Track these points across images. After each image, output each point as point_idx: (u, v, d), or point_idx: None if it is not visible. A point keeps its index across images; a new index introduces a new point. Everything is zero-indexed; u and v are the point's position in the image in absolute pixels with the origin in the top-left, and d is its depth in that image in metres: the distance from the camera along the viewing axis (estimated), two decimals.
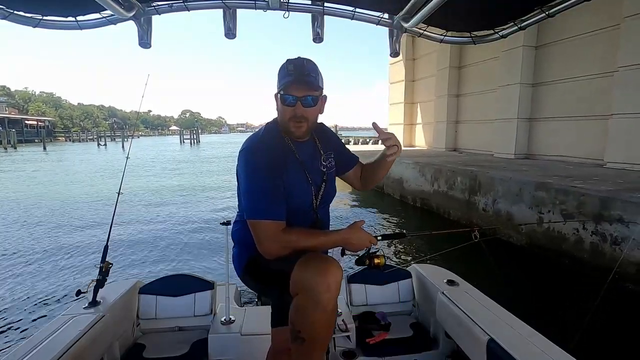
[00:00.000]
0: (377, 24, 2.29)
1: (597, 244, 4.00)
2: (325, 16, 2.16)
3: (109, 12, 1.84)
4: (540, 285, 4.00)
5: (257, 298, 2.85)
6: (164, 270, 4.47)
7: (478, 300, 1.61)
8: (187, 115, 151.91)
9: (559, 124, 8.42)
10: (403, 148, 1.53)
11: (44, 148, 35.74)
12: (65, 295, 3.78)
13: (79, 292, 1.58)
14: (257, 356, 1.64)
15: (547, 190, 4.76)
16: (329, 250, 1.37)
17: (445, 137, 12.47)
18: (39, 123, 58.57)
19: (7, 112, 56.39)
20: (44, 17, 1.89)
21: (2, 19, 1.80)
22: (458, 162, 8.28)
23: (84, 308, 1.57)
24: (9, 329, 3.17)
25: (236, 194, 1.41)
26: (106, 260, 1.66)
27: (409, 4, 2.01)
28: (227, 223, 1.83)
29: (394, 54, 2.41)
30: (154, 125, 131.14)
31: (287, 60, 1.29)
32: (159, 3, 1.99)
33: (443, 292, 1.70)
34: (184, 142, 51.90)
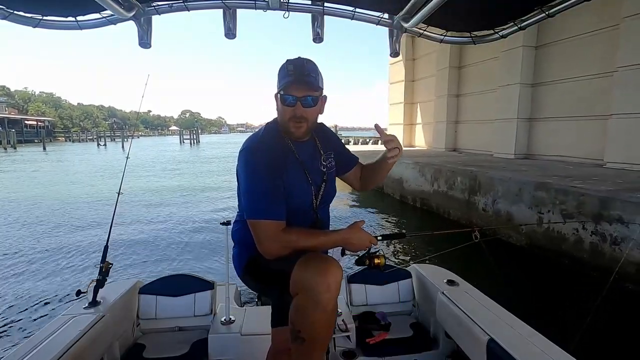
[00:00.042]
0: (377, 24, 2.29)
1: (597, 244, 4.00)
2: (325, 16, 2.16)
3: (109, 12, 1.84)
4: (540, 285, 4.00)
5: (257, 298, 2.85)
6: (164, 270, 4.47)
7: (478, 300, 1.61)
8: (187, 116, 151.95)
9: (559, 124, 8.42)
10: (403, 148, 1.54)
11: (44, 148, 35.74)
12: (66, 295, 3.77)
13: (79, 292, 1.58)
14: (257, 356, 1.64)
15: (546, 190, 4.76)
16: (329, 250, 1.37)
17: (445, 137, 12.47)
18: (39, 123, 58.58)
19: (6, 112, 56.42)
20: (44, 17, 1.89)
21: (2, 19, 1.80)
22: (458, 162, 8.28)
23: (84, 308, 1.57)
24: (9, 328, 3.17)
25: (236, 194, 1.41)
26: (106, 260, 1.65)
27: (409, 4, 2.01)
28: (227, 223, 1.83)
29: (394, 54, 2.41)
30: (154, 125, 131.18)
31: (287, 60, 1.28)
32: (159, 3, 1.99)
33: (443, 292, 1.70)
34: (183, 142, 51.91)
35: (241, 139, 1.50)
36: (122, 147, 39.56)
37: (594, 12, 7.24)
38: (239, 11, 2.09)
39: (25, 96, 74.50)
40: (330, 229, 1.42)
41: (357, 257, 1.37)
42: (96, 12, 1.91)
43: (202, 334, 1.82)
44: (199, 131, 61.38)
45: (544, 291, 3.85)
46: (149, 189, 11.19)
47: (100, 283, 1.62)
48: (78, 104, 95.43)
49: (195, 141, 52.14)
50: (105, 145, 44.59)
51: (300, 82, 1.23)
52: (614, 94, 6.76)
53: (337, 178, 1.56)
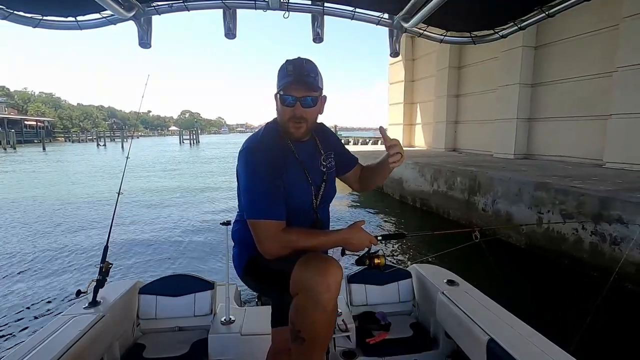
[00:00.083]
0: (377, 24, 2.29)
1: (597, 244, 4.00)
2: (325, 16, 2.16)
3: (109, 12, 1.84)
4: (540, 285, 4.01)
5: (257, 298, 2.85)
6: (164, 270, 4.47)
7: (478, 300, 1.61)
8: (186, 116, 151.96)
9: (559, 124, 8.42)
10: (403, 148, 1.53)
11: (44, 148, 35.71)
12: (66, 296, 3.77)
13: (79, 292, 1.58)
14: (257, 356, 1.64)
15: (546, 190, 4.76)
16: (329, 250, 1.37)
17: (444, 138, 12.48)
18: (38, 123, 58.54)
19: (6, 112, 56.39)
20: (44, 17, 1.89)
21: (2, 19, 1.80)
22: (457, 162, 8.28)
23: (84, 308, 1.57)
24: (9, 328, 3.16)
25: (236, 194, 1.41)
26: (106, 260, 1.65)
27: (409, 4, 2.01)
28: (227, 223, 1.83)
29: (394, 54, 2.41)
30: (154, 125, 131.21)
31: (287, 60, 1.28)
32: (159, 3, 1.99)
33: (443, 292, 1.70)
34: (183, 142, 51.91)
35: (241, 139, 1.50)
36: (122, 147, 39.54)
37: (593, 12, 7.24)
38: (239, 11, 2.09)
39: (24, 96, 74.45)
40: (331, 229, 1.42)
41: (357, 257, 1.37)
42: (96, 12, 1.92)
43: (202, 334, 1.82)
44: (199, 131, 61.37)
45: (544, 291, 3.85)
46: (149, 189, 11.19)
47: (100, 283, 1.62)
48: (78, 104, 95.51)
49: (194, 141, 52.14)
50: (105, 145, 44.58)
51: (299, 82, 1.23)
52: (613, 94, 6.76)
53: (336, 178, 1.56)
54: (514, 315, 1.45)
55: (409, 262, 4.26)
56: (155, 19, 2.05)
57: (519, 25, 2.15)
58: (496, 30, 2.27)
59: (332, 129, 1.59)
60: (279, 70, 1.29)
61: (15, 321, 3.29)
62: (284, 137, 1.34)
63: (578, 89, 7.92)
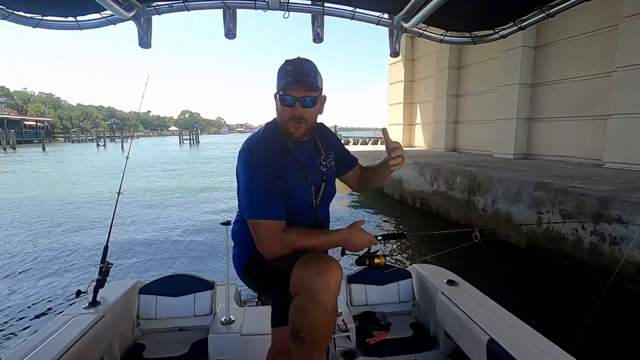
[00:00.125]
0: (377, 24, 2.29)
1: (596, 244, 4.00)
2: (325, 16, 2.16)
3: (109, 12, 1.84)
4: (540, 285, 4.01)
5: (257, 298, 2.85)
6: (164, 270, 4.47)
7: (478, 300, 1.61)
8: (186, 116, 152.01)
9: (558, 124, 8.43)
10: (403, 148, 1.53)
11: (43, 149, 35.69)
12: (66, 296, 3.77)
13: (79, 292, 1.57)
14: (257, 356, 1.64)
15: (546, 190, 4.76)
16: (329, 250, 1.37)
17: (444, 138, 12.48)
18: (38, 124, 58.53)
19: (6, 112, 56.36)
20: (44, 17, 1.89)
21: (2, 19, 1.79)
22: (457, 162, 8.28)
23: (84, 308, 1.57)
24: (9, 328, 3.17)
25: (236, 194, 1.41)
26: (106, 260, 1.65)
27: (409, 4, 2.01)
28: (227, 223, 1.83)
29: (394, 54, 2.41)
30: (153, 125, 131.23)
31: (286, 60, 1.28)
32: (159, 3, 1.99)
33: (443, 292, 1.70)
34: (183, 142, 51.92)
35: (241, 139, 1.50)
36: (122, 147, 39.54)
37: (593, 12, 7.25)
38: (239, 11, 2.09)
39: (24, 97, 74.43)
40: (330, 228, 1.42)
41: (357, 257, 1.37)
42: (96, 12, 1.91)
43: (202, 334, 1.82)
44: (199, 132, 61.36)
45: (544, 291, 3.85)
46: (149, 189, 11.19)
47: (100, 283, 1.62)
48: (77, 104, 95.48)
49: (194, 142, 52.13)
50: (104, 145, 44.57)
51: (299, 82, 1.23)
52: (613, 94, 6.77)
53: (336, 179, 1.55)
54: (514, 315, 1.45)
55: (409, 262, 4.26)
56: (155, 19, 2.05)
57: (519, 25, 2.15)
58: (496, 30, 2.26)
59: (332, 129, 1.59)
60: (279, 71, 1.29)
61: (16, 321, 3.29)
62: (283, 137, 1.34)
63: (578, 89, 7.92)
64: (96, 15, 1.94)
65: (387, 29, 2.35)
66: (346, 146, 1.64)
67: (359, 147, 18.88)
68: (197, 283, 1.97)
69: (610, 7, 6.89)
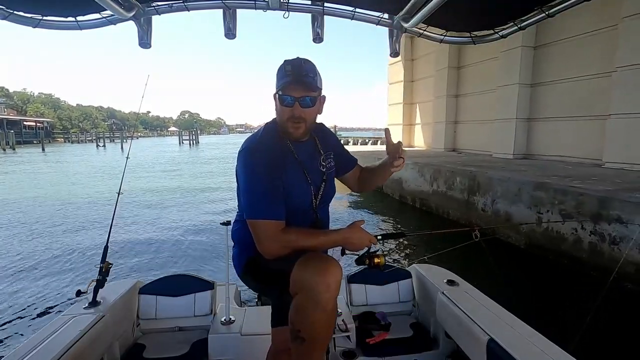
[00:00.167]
0: (377, 24, 2.29)
1: (596, 243, 4.01)
2: (325, 16, 2.16)
3: (109, 12, 1.84)
4: (540, 285, 4.01)
5: (257, 298, 2.85)
6: (164, 270, 4.47)
7: (478, 300, 1.61)
8: (186, 116, 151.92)
9: (558, 124, 8.43)
10: (405, 152, 1.54)
11: (43, 149, 35.67)
12: (66, 296, 3.77)
13: (79, 292, 1.57)
14: (257, 356, 1.64)
15: (545, 190, 4.76)
16: (329, 250, 1.37)
17: (444, 138, 12.48)
18: (38, 124, 58.52)
19: (5, 113, 56.36)
20: (44, 17, 1.89)
21: (2, 19, 1.80)
22: (457, 162, 8.29)
23: (84, 308, 1.57)
24: (9, 328, 3.16)
25: (236, 194, 1.41)
26: (106, 260, 1.65)
27: (409, 4, 2.01)
28: (227, 223, 1.83)
29: (394, 54, 2.42)
30: (153, 126, 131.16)
31: (285, 60, 1.28)
32: (159, 3, 1.99)
33: (443, 292, 1.70)
34: (182, 143, 51.89)
35: (240, 139, 1.50)
36: (121, 148, 39.53)
37: (593, 12, 7.25)
38: (239, 11, 2.09)
39: (24, 97, 74.35)
40: (330, 228, 1.42)
41: (357, 257, 1.37)
42: (96, 12, 1.92)
43: (202, 334, 1.82)
44: (198, 132, 61.35)
45: (543, 291, 3.85)
46: (149, 189, 11.18)
47: (100, 283, 1.62)
48: (77, 104, 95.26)
49: (194, 142, 52.10)
50: (104, 146, 44.56)
51: (298, 82, 1.23)
52: (613, 94, 6.78)
53: (335, 179, 1.55)
54: (514, 315, 1.45)
55: (409, 262, 4.27)
56: (155, 19, 2.05)
57: (519, 25, 2.15)
58: (496, 30, 2.27)
59: (331, 129, 1.59)
60: (278, 71, 1.29)
61: (16, 321, 3.29)
62: (283, 137, 1.34)
63: (577, 89, 7.93)
64: (96, 15, 1.94)
65: (387, 29, 2.35)
66: (346, 146, 1.64)
67: (359, 147, 18.87)
68: (197, 283, 1.97)
69: (609, 7, 6.89)
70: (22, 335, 3.04)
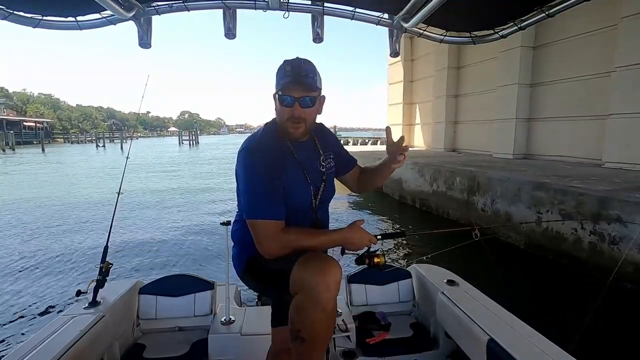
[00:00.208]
0: (377, 24, 2.29)
1: (596, 243, 4.01)
2: (325, 16, 2.16)
3: (109, 12, 1.84)
4: (540, 285, 4.01)
5: (257, 298, 2.85)
6: (164, 270, 4.47)
7: (478, 300, 1.61)
8: (185, 117, 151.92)
9: (557, 124, 8.44)
10: (407, 149, 1.56)
11: (43, 149, 35.64)
12: (66, 296, 3.77)
13: (79, 292, 1.57)
14: (257, 356, 1.64)
15: (545, 190, 4.76)
16: (329, 250, 1.37)
17: (444, 138, 12.49)
18: (37, 124, 58.49)
19: (5, 113, 56.31)
20: (44, 17, 1.89)
21: (2, 19, 1.80)
22: (457, 162, 8.29)
23: (84, 308, 1.57)
24: (9, 328, 3.16)
25: (235, 195, 1.41)
26: (106, 260, 1.65)
27: (409, 4, 2.01)
28: (227, 223, 1.83)
29: (394, 54, 2.42)
30: (153, 126, 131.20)
31: (285, 61, 1.28)
32: (159, 3, 1.99)
33: (443, 292, 1.70)
34: (182, 143, 51.86)
35: (240, 139, 1.50)
36: (121, 148, 39.52)
37: (592, 12, 7.26)
38: (239, 11, 2.09)
39: (23, 97, 74.29)
40: (330, 228, 1.42)
41: (357, 257, 1.37)
42: (96, 12, 1.92)
43: (202, 334, 1.82)
44: (198, 132, 61.35)
45: (544, 291, 3.85)
46: (149, 189, 11.18)
47: (100, 283, 1.62)
48: (77, 105, 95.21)
49: (194, 142, 52.08)
50: (104, 146, 44.56)
51: (298, 82, 1.23)
52: (612, 94, 6.78)
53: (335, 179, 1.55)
54: (514, 315, 1.45)
55: (408, 262, 4.26)
56: (155, 19, 2.05)
57: (519, 25, 2.15)
58: (496, 30, 2.27)
59: (331, 130, 1.59)
60: (278, 71, 1.29)
61: (16, 321, 3.29)
62: (282, 138, 1.34)
63: (577, 88, 7.94)
64: (96, 15, 1.95)
65: (387, 29, 2.36)
66: (346, 146, 1.64)
67: (359, 148, 18.88)
68: (197, 283, 1.97)
69: (609, 7, 6.90)
70: (22, 335, 3.03)
